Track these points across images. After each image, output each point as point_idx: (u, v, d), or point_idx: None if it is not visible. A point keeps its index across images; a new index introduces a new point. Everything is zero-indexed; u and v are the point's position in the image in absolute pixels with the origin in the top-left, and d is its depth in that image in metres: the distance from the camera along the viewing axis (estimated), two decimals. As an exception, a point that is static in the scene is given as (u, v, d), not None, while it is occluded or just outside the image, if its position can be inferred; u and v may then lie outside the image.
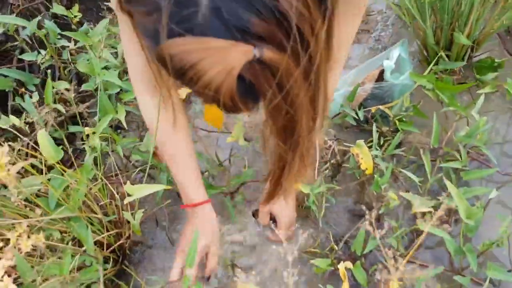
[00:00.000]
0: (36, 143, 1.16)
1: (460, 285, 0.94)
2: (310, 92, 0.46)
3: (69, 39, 1.35)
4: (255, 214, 1.19)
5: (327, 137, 1.19)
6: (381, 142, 1.20)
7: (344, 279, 0.89)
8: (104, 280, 0.92)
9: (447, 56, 1.39)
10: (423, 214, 0.91)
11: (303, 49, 0.42)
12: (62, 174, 0.91)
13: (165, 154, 0.99)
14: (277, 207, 1.08)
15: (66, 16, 1.39)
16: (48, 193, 0.93)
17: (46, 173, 0.95)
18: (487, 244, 0.94)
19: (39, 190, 0.93)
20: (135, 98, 1.15)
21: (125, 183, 0.92)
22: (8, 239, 0.78)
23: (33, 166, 0.95)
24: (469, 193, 0.98)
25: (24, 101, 1.21)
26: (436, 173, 1.09)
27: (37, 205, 0.90)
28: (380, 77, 1.24)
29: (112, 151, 1.14)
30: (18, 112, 1.29)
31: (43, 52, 1.33)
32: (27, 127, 1.16)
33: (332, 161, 1.17)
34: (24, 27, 1.40)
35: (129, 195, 0.86)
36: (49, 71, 1.25)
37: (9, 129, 1.13)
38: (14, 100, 1.29)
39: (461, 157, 1.10)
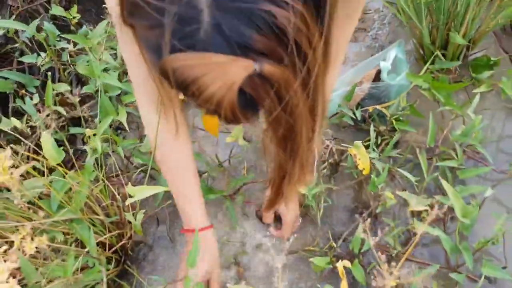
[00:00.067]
0: (37, 145, 1.18)
1: (456, 282, 0.96)
2: (309, 103, 0.47)
3: (68, 40, 1.36)
4: (258, 214, 1.21)
5: (325, 137, 1.20)
6: (379, 141, 1.21)
7: (343, 277, 0.91)
8: (107, 281, 0.93)
9: (443, 55, 1.40)
10: (420, 212, 0.93)
11: (302, 62, 0.43)
12: (64, 176, 0.93)
13: (165, 169, 0.97)
14: (281, 205, 1.10)
15: (65, 17, 1.40)
16: (50, 195, 0.94)
17: (47, 175, 0.96)
18: (482, 242, 0.95)
19: (41, 193, 0.94)
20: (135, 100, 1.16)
21: (126, 184, 0.93)
22: (12, 242, 0.80)
23: (34, 167, 0.97)
24: (465, 191, 0.99)
25: (24, 103, 1.22)
26: (432, 172, 1.11)
27: (40, 207, 0.92)
28: (377, 77, 1.26)
29: (113, 151, 1.15)
30: (18, 113, 1.30)
31: (42, 54, 1.34)
32: (28, 129, 1.17)
33: (330, 161, 1.19)
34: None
35: (130, 196, 0.87)
36: (49, 73, 1.26)
37: (10, 132, 1.14)
38: (14, 102, 1.30)
39: (457, 156, 1.12)
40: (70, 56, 1.39)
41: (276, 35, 0.41)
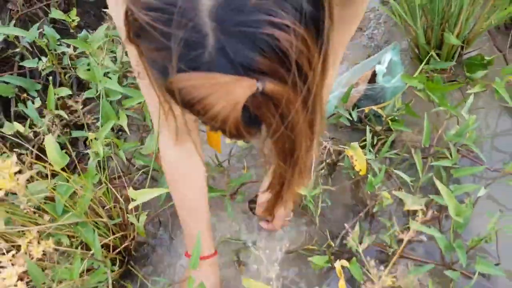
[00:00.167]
0: (39, 149, 1.19)
1: (451, 279, 0.99)
2: (308, 117, 0.49)
3: (69, 44, 1.37)
4: (250, 206, 1.23)
5: (322, 138, 1.23)
6: (375, 141, 1.23)
7: (341, 276, 0.93)
8: (112, 282, 0.96)
9: (438, 55, 1.42)
10: (415, 211, 0.95)
11: (302, 81, 0.45)
12: (67, 180, 0.94)
13: (176, 193, 0.99)
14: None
15: (65, 20, 1.41)
16: (54, 198, 0.96)
17: (51, 179, 0.97)
18: (476, 240, 0.98)
19: (46, 197, 0.96)
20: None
21: (128, 186, 0.95)
22: (19, 246, 0.82)
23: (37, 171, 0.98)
24: (459, 190, 1.01)
25: (26, 107, 1.24)
26: (427, 171, 1.13)
27: (45, 211, 0.94)
28: (373, 78, 1.28)
29: (115, 153, 1.17)
30: (20, 117, 1.32)
31: (43, 58, 1.36)
32: (31, 134, 1.19)
33: (327, 161, 1.21)
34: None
35: (133, 199, 0.89)
36: (50, 77, 1.27)
37: (10, 137, 1.15)
38: (16, 106, 1.31)
39: (451, 155, 1.14)
40: (71, 59, 1.41)
41: (278, 57, 0.43)
